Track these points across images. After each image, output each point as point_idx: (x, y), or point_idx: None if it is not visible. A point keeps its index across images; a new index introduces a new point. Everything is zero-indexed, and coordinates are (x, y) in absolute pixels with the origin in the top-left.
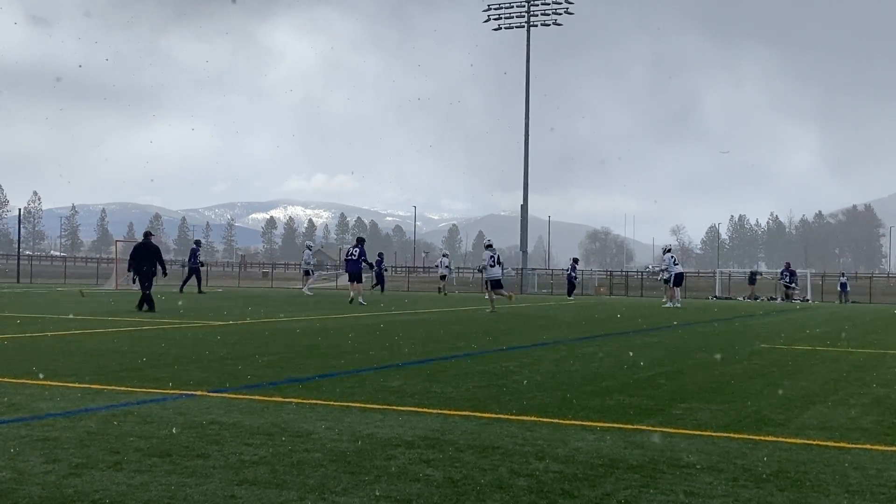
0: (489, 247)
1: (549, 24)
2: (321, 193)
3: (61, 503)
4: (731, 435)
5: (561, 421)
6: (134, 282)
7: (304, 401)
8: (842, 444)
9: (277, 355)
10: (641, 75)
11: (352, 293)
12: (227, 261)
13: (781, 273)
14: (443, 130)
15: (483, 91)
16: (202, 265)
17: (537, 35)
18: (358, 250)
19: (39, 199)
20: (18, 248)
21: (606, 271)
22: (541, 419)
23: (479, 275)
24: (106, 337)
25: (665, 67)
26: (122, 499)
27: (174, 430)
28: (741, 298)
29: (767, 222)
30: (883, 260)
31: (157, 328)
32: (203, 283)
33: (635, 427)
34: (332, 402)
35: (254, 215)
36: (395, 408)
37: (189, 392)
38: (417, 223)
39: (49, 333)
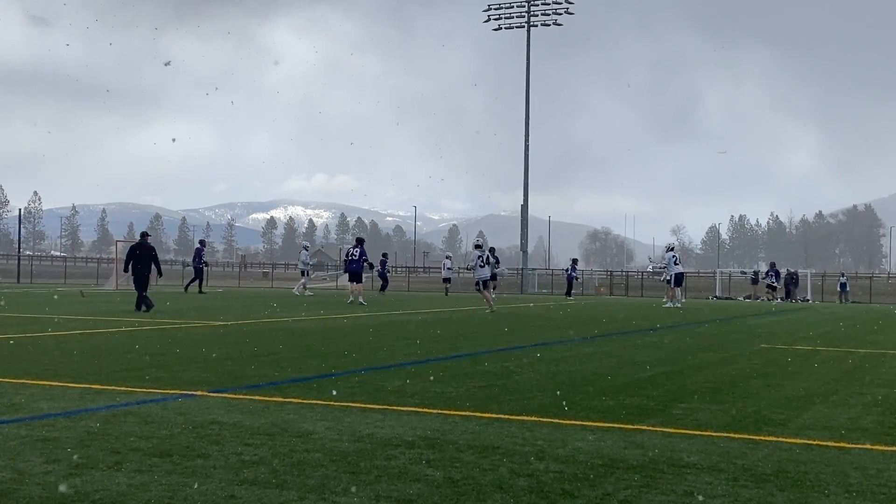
0: (478, 247)
1: (549, 25)
2: (321, 193)
3: (61, 503)
4: (732, 435)
5: (561, 421)
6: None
7: (305, 401)
8: (842, 444)
9: (277, 355)
10: (641, 75)
11: (352, 295)
12: (227, 261)
13: (767, 273)
14: (443, 131)
15: (484, 91)
16: (206, 265)
17: (537, 35)
18: (358, 251)
19: (40, 199)
20: (19, 248)
21: (606, 271)
22: (541, 419)
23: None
24: (106, 337)
25: (665, 67)
26: (122, 499)
27: (174, 431)
28: (741, 298)
29: (768, 222)
30: (883, 260)
31: (158, 328)
32: (204, 283)
33: (635, 427)
34: (332, 403)
35: (254, 215)
36: (395, 408)
37: (189, 392)
38: (417, 223)
39: (49, 333)
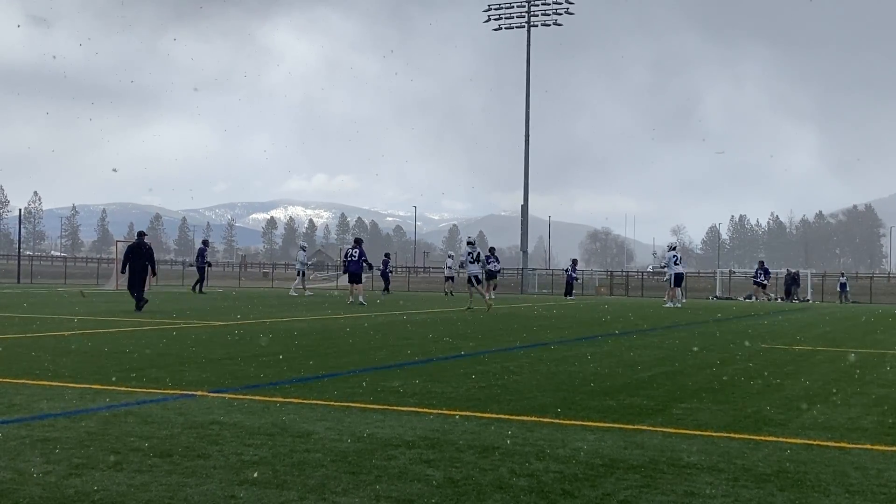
0: (470, 244)
1: (549, 25)
2: (322, 193)
3: (62, 503)
4: (732, 435)
5: (561, 421)
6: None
7: (305, 401)
8: (842, 445)
9: (278, 355)
10: (642, 75)
11: (351, 296)
12: (227, 261)
13: (756, 272)
14: (443, 130)
15: (483, 91)
16: (209, 265)
17: (537, 35)
18: (357, 251)
19: (40, 200)
20: (19, 248)
21: (607, 271)
22: (541, 419)
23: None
24: (106, 337)
25: (665, 67)
26: (122, 499)
27: (174, 431)
28: (741, 298)
29: (768, 222)
30: (883, 260)
31: (158, 328)
32: (204, 283)
33: (636, 427)
34: (332, 403)
35: (254, 215)
36: (395, 408)
37: (189, 392)
38: (418, 223)
39: (49, 334)
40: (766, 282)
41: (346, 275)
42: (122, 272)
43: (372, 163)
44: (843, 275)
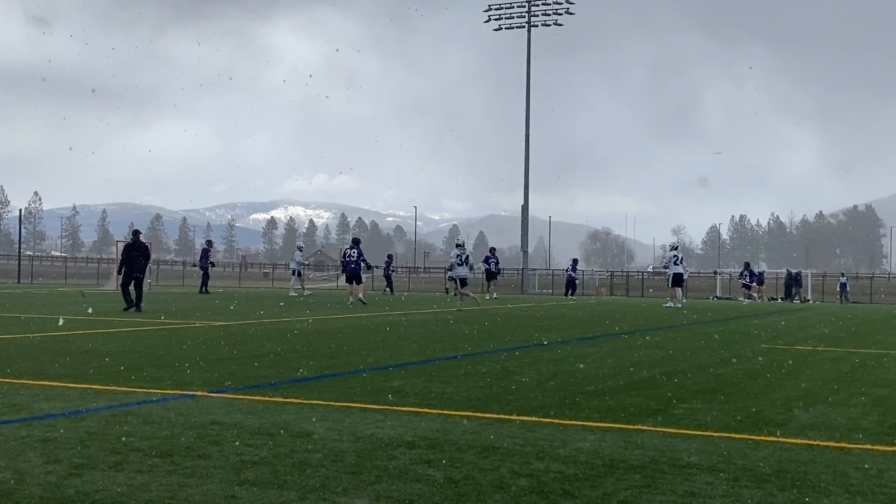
0: (459, 245)
1: (549, 25)
2: (322, 194)
3: (62, 503)
4: (732, 435)
5: (562, 421)
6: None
7: (305, 401)
8: (842, 445)
9: (278, 356)
10: (642, 75)
11: (350, 296)
12: (227, 261)
13: (741, 273)
14: (443, 131)
15: (484, 91)
16: (213, 265)
17: (538, 35)
18: (356, 251)
19: (40, 200)
20: (19, 248)
21: (607, 271)
22: (541, 419)
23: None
24: (106, 337)
25: (665, 68)
26: (122, 499)
27: (175, 431)
28: (742, 298)
29: (768, 222)
30: (884, 260)
31: (158, 328)
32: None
33: (636, 427)
34: (332, 403)
35: (254, 216)
36: (395, 408)
37: (190, 392)
38: (418, 223)
39: (49, 334)
40: (752, 283)
41: (345, 275)
42: (119, 273)
43: (372, 163)
44: (843, 275)
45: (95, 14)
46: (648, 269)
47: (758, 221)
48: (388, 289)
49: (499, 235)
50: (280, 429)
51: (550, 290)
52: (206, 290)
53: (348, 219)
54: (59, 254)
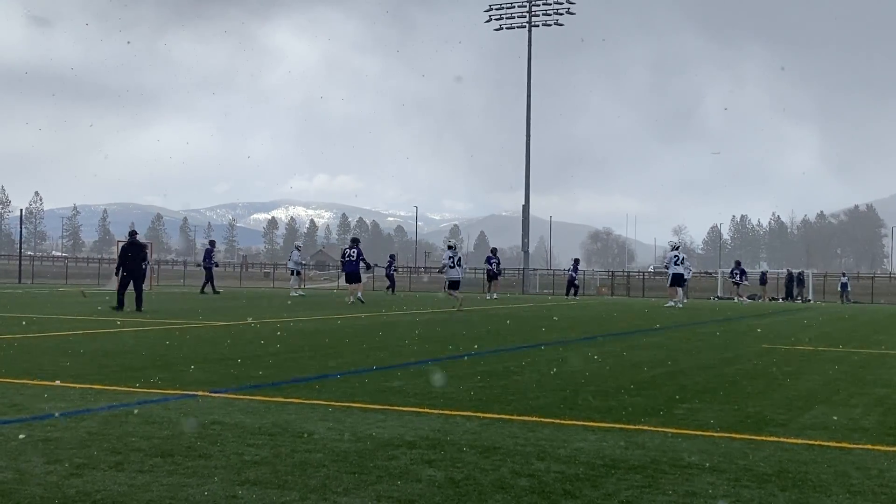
0: (451, 248)
1: (550, 25)
2: (323, 194)
3: (63, 503)
4: (733, 435)
5: (562, 421)
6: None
7: (306, 401)
8: (843, 445)
9: (279, 356)
10: (642, 75)
11: (350, 296)
12: (228, 261)
13: (731, 272)
14: (444, 130)
15: (484, 91)
16: (216, 265)
17: (538, 35)
18: (355, 251)
19: (41, 200)
20: (20, 248)
21: (608, 271)
22: (542, 419)
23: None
24: (107, 337)
25: (666, 68)
26: (123, 499)
27: (176, 431)
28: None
29: (769, 222)
30: (885, 260)
31: (159, 328)
32: (209, 283)
33: (637, 427)
34: (333, 403)
35: (255, 216)
36: (396, 408)
37: (191, 392)
38: (419, 223)
39: (50, 334)
40: (742, 281)
41: (345, 274)
42: (117, 274)
43: (373, 163)
44: (844, 274)
45: (96, 14)
46: (649, 270)
47: (759, 221)
48: (389, 289)
49: (500, 235)
50: (281, 429)
51: (551, 291)
52: (214, 290)
53: (349, 219)
54: (59, 254)
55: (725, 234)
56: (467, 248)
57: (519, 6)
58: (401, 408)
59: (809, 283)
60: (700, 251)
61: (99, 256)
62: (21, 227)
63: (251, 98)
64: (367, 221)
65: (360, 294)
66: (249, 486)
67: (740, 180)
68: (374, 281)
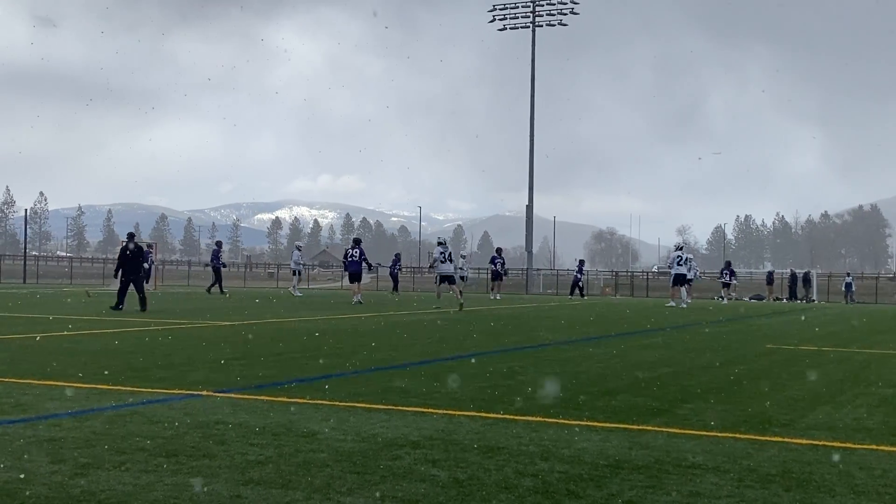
0: (441, 244)
1: (554, 25)
2: (327, 194)
3: (67, 503)
4: (737, 435)
5: (566, 421)
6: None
7: (310, 401)
8: (848, 445)
9: (282, 356)
10: (646, 75)
11: (355, 296)
12: (232, 261)
13: (722, 271)
14: (448, 131)
15: (488, 91)
16: (224, 266)
17: (542, 35)
18: (358, 251)
19: (46, 200)
20: (25, 248)
21: (612, 272)
22: (546, 419)
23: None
24: (111, 337)
25: (670, 68)
26: (128, 499)
27: (180, 431)
28: (747, 299)
29: (773, 223)
30: (889, 260)
31: (163, 328)
32: (216, 284)
33: (641, 427)
34: (337, 403)
35: (259, 216)
36: (400, 408)
37: (195, 392)
38: (423, 223)
39: (55, 334)
40: (732, 281)
41: (348, 274)
42: (116, 276)
43: (377, 163)
44: (848, 274)
45: (101, 14)
46: (653, 270)
47: (763, 221)
48: (394, 290)
49: (503, 235)
50: (285, 429)
51: (555, 291)
52: (221, 290)
53: (353, 219)
54: (64, 254)
55: (729, 235)
56: (471, 249)
57: (523, 6)
58: (405, 408)
59: (814, 283)
60: (704, 251)
61: (104, 256)
62: (26, 228)
63: (255, 98)
64: (371, 221)
65: (359, 296)
66: (254, 485)
67: (744, 180)
68: (377, 281)
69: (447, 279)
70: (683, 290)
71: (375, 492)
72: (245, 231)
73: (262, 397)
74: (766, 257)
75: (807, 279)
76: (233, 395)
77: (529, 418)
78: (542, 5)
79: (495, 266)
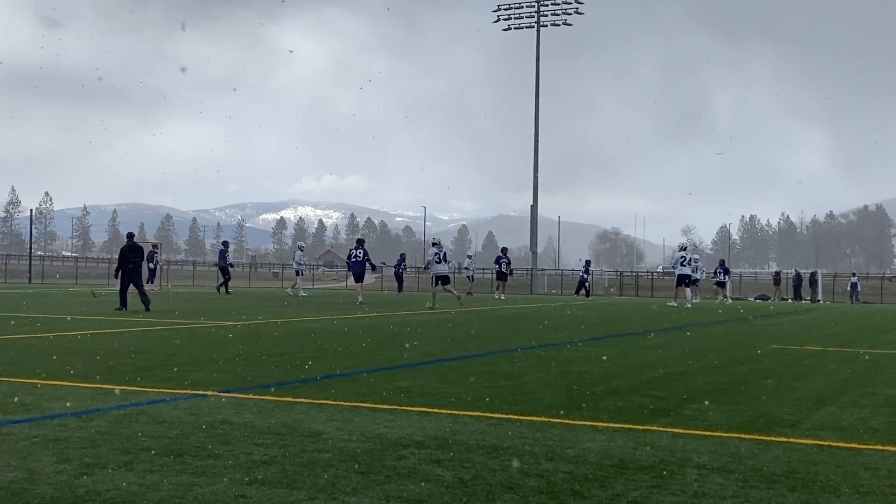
0: (436, 244)
1: (558, 24)
2: (331, 194)
3: (73, 503)
4: (742, 435)
5: (571, 421)
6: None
7: (314, 401)
8: (853, 445)
9: (287, 356)
10: (651, 75)
11: (360, 295)
12: (237, 261)
13: (715, 271)
14: (452, 131)
15: (493, 91)
16: (231, 266)
17: (547, 35)
18: (362, 251)
19: (51, 200)
20: (30, 248)
21: (617, 271)
22: (551, 419)
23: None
24: (116, 337)
25: (674, 68)
26: (133, 498)
27: (185, 430)
28: (752, 299)
29: (778, 222)
30: (894, 260)
31: (168, 328)
32: (225, 283)
33: (645, 427)
34: (341, 403)
35: (264, 216)
36: (404, 408)
37: (200, 392)
38: (427, 223)
39: (60, 333)
40: (725, 280)
41: (352, 275)
42: (116, 277)
43: (381, 163)
44: (853, 274)
45: (105, 15)
46: (658, 270)
47: (768, 221)
48: (399, 290)
49: (508, 235)
50: (290, 428)
51: (559, 291)
52: (226, 290)
53: (357, 219)
54: (69, 254)
55: (734, 235)
56: (476, 248)
57: (527, 6)
58: (409, 408)
59: (819, 283)
60: (709, 251)
61: (109, 257)
62: (31, 228)
63: (260, 98)
64: (376, 221)
65: (360, 297)
66: (258, 485)
67: (749, 180)
68: (382, 281)
69: (442, 279)
70: (688, 290)
71: (380, 492)
72: (250, 231)
73: (266, 397)
74: (770, 257)
75: (813, 280)
76: (237, 395)
77: (534, 418)
78: (547, 5)
79: (500, 266)
